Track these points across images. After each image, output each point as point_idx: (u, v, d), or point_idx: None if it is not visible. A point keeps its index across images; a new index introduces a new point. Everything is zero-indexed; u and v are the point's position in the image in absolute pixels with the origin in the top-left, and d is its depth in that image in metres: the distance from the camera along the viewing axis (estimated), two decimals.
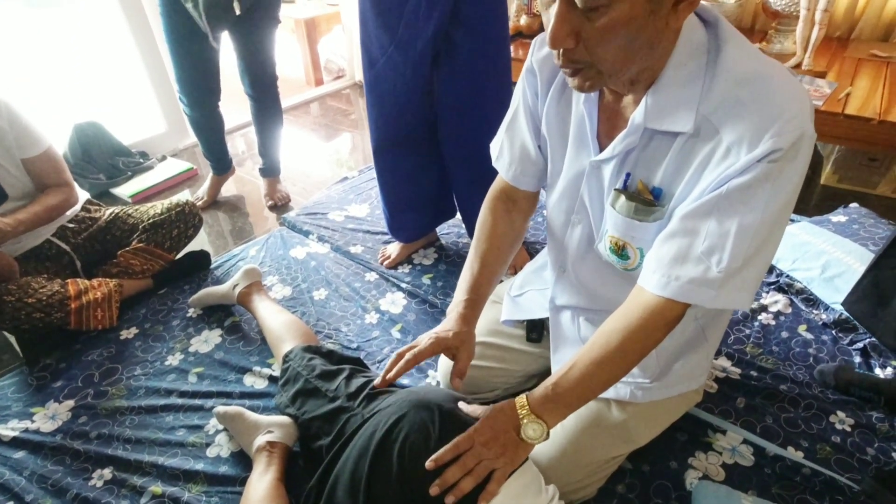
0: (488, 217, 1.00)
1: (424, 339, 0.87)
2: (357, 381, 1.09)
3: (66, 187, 1.54)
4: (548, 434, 0.78)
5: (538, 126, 0.93)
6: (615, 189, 0.80)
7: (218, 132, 2.07)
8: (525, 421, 0.77)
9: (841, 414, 1.21)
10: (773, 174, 0.66)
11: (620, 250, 0.85)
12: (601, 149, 0.81)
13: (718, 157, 0.69)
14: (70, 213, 1.62)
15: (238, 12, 1.68)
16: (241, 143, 2.75)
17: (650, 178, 0.77)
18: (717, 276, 0.70)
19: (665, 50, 0.69)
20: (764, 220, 0.68)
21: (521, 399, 0.80)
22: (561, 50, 0.67)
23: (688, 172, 0.72)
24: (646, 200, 0.77)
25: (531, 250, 1.74)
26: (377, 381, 0.88)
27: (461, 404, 0.87)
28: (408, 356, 0.85)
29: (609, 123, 0.81)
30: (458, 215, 1.79)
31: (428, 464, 0.77)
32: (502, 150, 1.00)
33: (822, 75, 1.95)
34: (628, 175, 0.79)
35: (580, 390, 0.78)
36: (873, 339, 1.33)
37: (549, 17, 0.65)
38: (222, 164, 2.17)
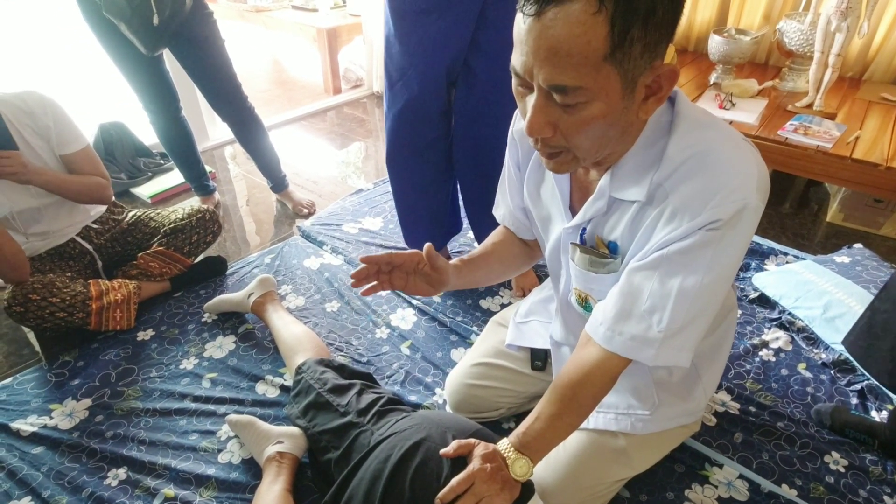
0: (499, 229, 1.09)
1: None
2: (368, 397, 1.13)
3: (103, 180, 1.58)
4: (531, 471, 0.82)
5: (521, 191, 0.99)
6: (572, 243, 0.85)
7: (189, 141, 2.04)
8: (511, 459, 0.82)
9: (835, 454, 1.24)
10: (714, 241, 0.69)
11: (584, 302, 0.90)
12: (574, 215, 0.85)
13: (665, 220, 0.72)
14: (94, 213, 1.67)
15: (156, 23, 1.59)
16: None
17: (608, 233, 0.81)
18: (657, 335, 0.74)
19: (633, 136, 0.74)
20: (704, 284, 0.71)
21: (503, 442, 0.84)
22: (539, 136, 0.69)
23: (640, 231, 0.77)
24: (600, 253, 0.82)
25: (539, 273, 1.78)
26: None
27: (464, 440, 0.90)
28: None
29: (580, 193, 0.86)
30: (468, 233, 1.83)
31: (436, 501, 0.80)
32: (499, 203, 1.08)
33: (832, 116, 1.99)
34: (584, 229, 0.84)
35: (546, 439, 0.83)
36: (871, 381, 1.36)
37: (527, 106, 0.67)
38: (202, 183, 2.17)
